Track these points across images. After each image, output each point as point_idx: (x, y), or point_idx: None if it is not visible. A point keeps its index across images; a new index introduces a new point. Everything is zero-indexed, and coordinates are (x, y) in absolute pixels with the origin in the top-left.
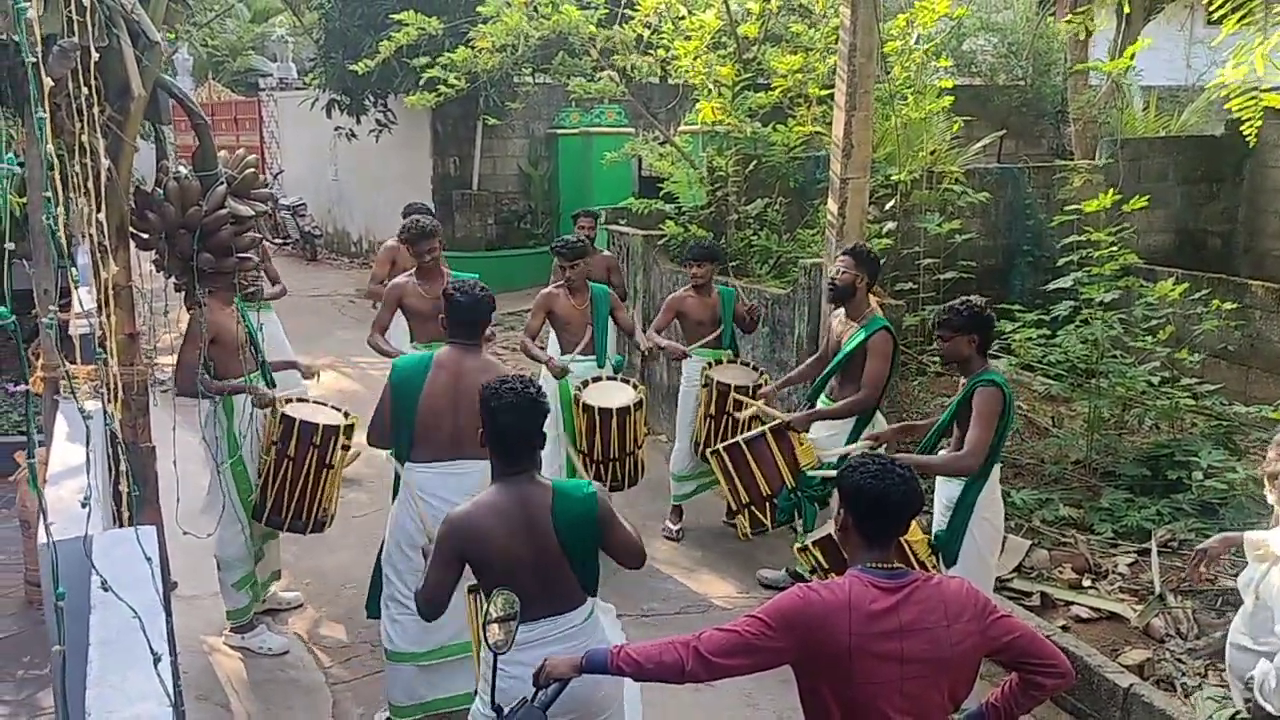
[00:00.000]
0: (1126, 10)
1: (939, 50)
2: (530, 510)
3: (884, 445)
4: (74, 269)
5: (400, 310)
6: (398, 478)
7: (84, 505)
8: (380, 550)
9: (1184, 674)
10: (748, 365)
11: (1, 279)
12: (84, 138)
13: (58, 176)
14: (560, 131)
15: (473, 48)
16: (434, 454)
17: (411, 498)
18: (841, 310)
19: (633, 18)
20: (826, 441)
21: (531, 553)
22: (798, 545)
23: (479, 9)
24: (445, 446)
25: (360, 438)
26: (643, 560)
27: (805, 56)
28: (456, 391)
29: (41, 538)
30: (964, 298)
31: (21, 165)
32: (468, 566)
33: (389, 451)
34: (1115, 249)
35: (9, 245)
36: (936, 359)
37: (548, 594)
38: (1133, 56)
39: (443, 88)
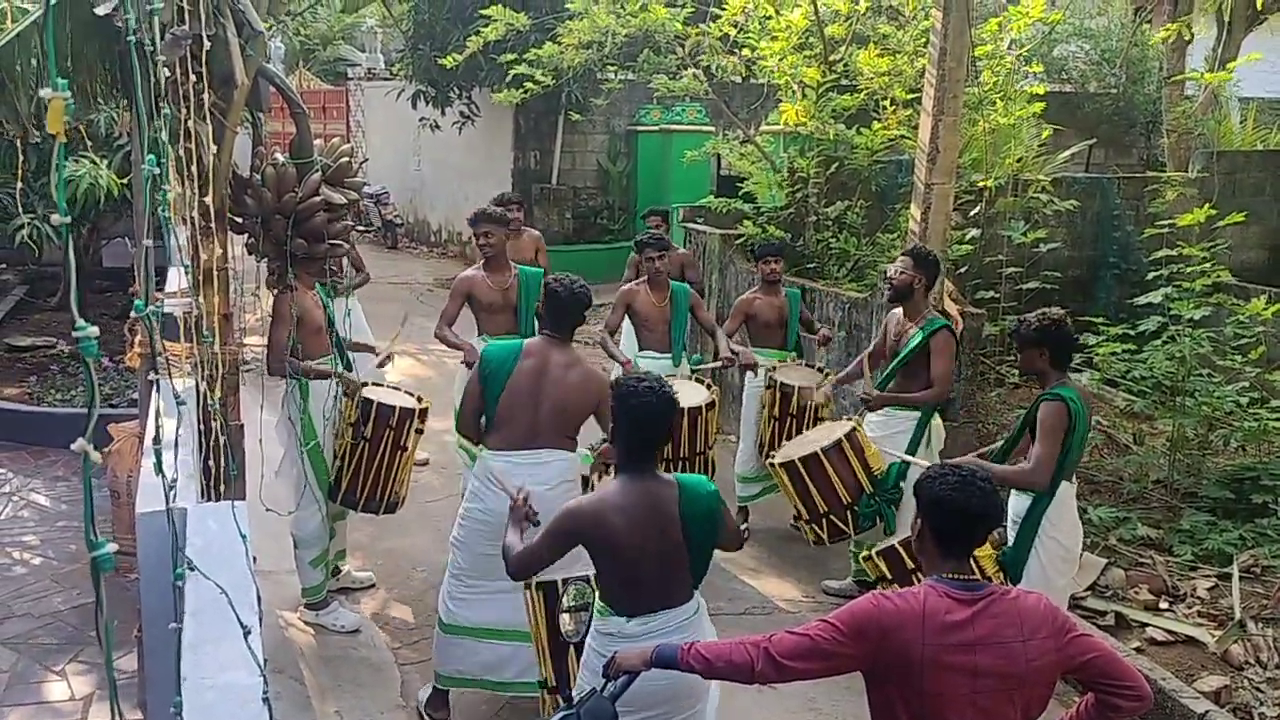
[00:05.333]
0: (1227, 19)
1: (1030, 56)
2: (658, 504)
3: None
4: (179, 251)
5: (468, 303)
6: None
7: (170, 487)
8: None
9: (1262, 703)
10: (812, 367)
11: (145, 263)
12: (190, 124)
13: (169, 161)
14: (640, 129)
15: (559, 44)
16: (511, 442)
17: (486, 484)
18: (899, 311)
19: (719, 17)
20: (886, 442)
21: (656, 546)
22: (863, 554)
23: (567, 5)
24: (522, 435)
25: (435, 423)
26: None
27: (893, 59)
28: (541, 383)
29: (142, 508)
30: (1041, 310)
31: (160, 163)
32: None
33: (458, 441)
34: (1208, 265)
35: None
36: (1015, 370)
37: (666, 587)
38: (1231, 69)
39: (529, 84)
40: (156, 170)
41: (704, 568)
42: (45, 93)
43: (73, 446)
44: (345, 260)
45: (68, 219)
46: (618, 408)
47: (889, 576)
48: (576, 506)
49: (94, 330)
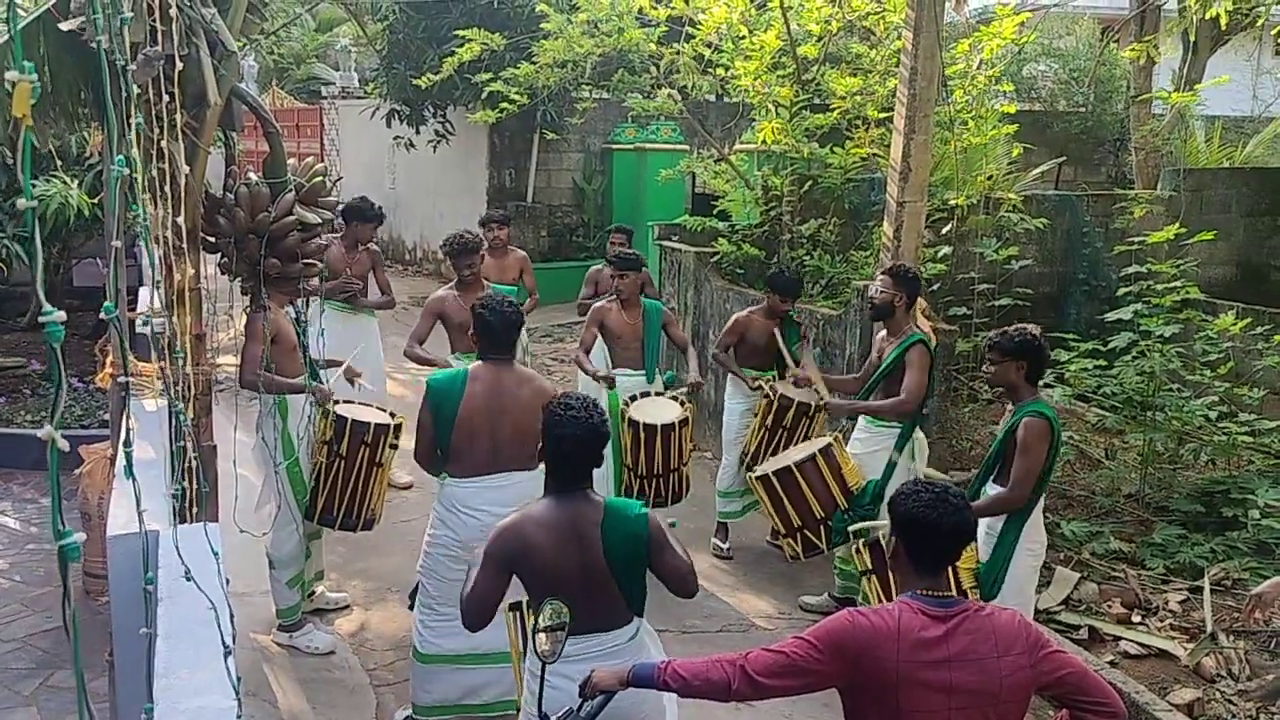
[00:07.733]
0: (1192, 39)
1: (1000, 76)
2: (580, 526)
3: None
4: (152, 269)
5: (440, 322)
6: None
7: (176, 498)
8: None
9: (1235, 715)
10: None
11: (115, 279)
12: (163, 143)
13: (141, 180)
14: (615, 147)
15: (534, 63)
16: (473, 469)
17: (451, 511)
18: (885, 330)
19: (693, 37)
20: (867, 459)
21: (579, 568)
22: (852, 547)
23: (542, 25)
24: (484, 461)
25: (408, 443)
26: (693, 590)
27: (865, 79)
28: (495, 406)
29: (113, 530)
30: (1019, 325)
31: (132, 175)
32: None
33: None
34: (1177, 282)
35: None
36: (987, 385)
37: (593, 610)
38: (1198, 89)
39: (504, 104)
40: (126, 171)
41: (639, 593)
42: (12, 75)
43: (39, 434)
44: (374, 280)
45: (34, 202)
46: (545, 432)
47: (871, 568)
48: (500, 525)
49: (60, 314)
